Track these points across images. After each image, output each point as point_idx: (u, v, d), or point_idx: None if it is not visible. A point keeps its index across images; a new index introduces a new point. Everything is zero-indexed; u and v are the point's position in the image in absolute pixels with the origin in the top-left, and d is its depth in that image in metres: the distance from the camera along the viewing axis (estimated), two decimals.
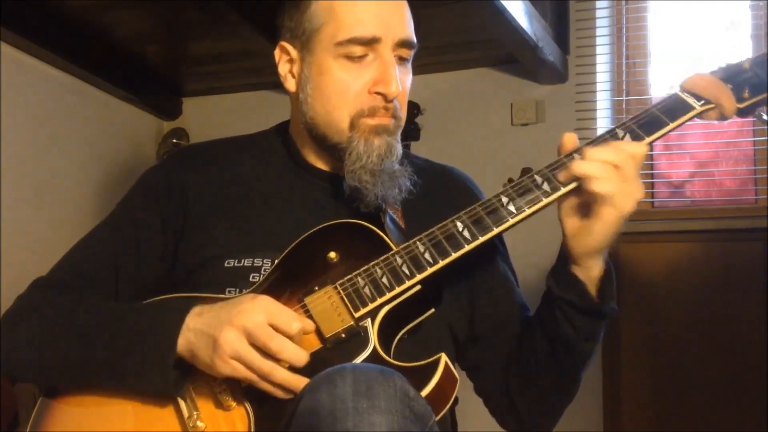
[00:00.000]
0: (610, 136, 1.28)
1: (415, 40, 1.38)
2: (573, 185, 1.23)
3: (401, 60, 1.37)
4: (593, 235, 1.23)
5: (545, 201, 1.25)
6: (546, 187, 1.25)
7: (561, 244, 1.29)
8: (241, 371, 1.18)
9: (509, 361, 1.39)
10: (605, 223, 1.21)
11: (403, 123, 1.39)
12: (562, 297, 1.27)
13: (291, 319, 1.19)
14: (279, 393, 1.19)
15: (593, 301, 1.27)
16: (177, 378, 1.23)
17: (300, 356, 1.18)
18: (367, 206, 1.34)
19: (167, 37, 3.47)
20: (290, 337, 1.18)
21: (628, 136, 1.27)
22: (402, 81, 1.36)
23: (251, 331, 1.17)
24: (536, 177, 1.26)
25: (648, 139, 1.26)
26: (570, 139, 1.28)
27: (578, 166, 1.21)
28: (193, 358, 1.22)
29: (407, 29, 1.36)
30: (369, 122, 1.34)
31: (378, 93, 1.33)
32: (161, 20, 3.29)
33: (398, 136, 1.38)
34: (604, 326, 1.30)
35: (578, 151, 1.25)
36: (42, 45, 3.18)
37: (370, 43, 1.33)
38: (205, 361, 1.20)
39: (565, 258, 1.28)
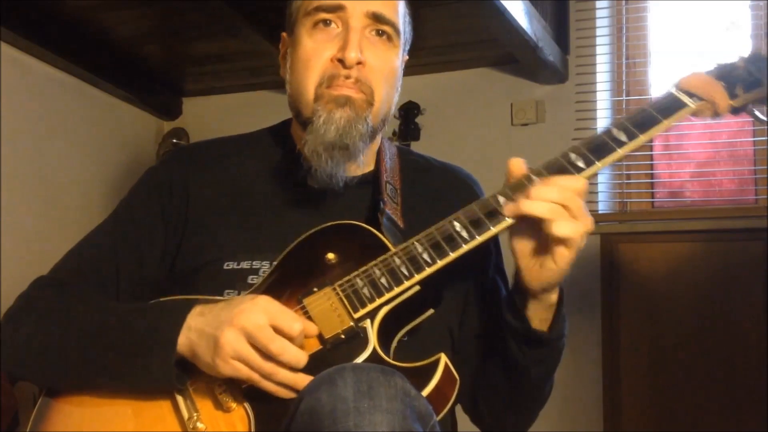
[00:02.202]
0: (605, 134, 1.28)
1: (393, 18, 1.38)
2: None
3: (379, 34, 1.37)
4: (548, 272, 1.23)
5: None
6: None
7: (514, 274, 1.29)
8: (243, 371, 1.18)
9: (478, 373, 1.40)
10: (560, 261, 1.21)
11: (378, 104, 1.37)
12: (509, 323, 1.29)
13: (292, 320, 1.19)
14: (282, 392, 1.18)
15: (536, 332, 1.28)
16: (179, 374, 1.23)
17: (300, 358, 1.18)
18: (317, 182, 1.35)
19: (167, 37, 3.47)
20: (291, 339, 1.18)
21: (623, 134, 1.28)
22: (376, 55, 1.36)
23: (251, 332, 1.17)
24: (531, 176, 1.26)
25: (641, 138, 1.27)
26: (517, 165, 1.27)
27: (530, 206, 1.20)
28: (194, 358, 1.22)
29: (381, 4, 1.37)
30: (331, 92, 1.34)
31: (338, 60, 1.34)
32: (161, 20, 3.30)
33: (367, 115, 1.36)
34: (555, 352, 1.31)
35: (529, 178, 1.25)
36: (42, 45, 3.19)
37: (335, 10, 1.35)
38: (207, 361, 1.20)
39: (517, 287, 1.28)
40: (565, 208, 1.19)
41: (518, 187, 1.26)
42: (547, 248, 1.22)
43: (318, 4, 1.36)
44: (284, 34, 1.46)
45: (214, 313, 1.21)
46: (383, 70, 1.38)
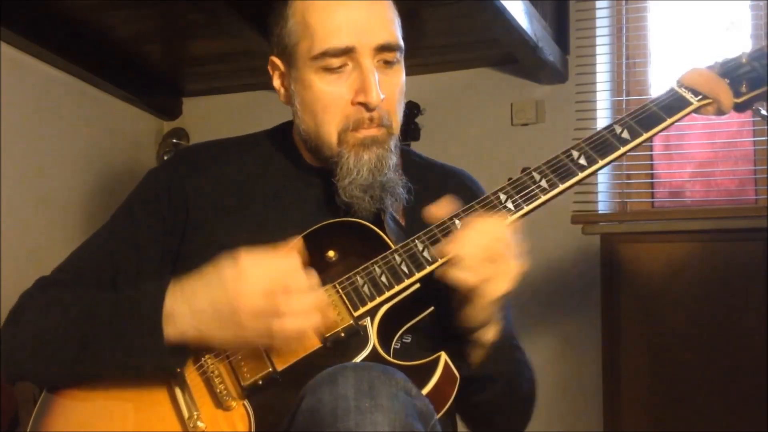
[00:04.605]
0: (608, 132, 1.28)
1: (398, 41, 1.36)
2: (444, 260, 1.22)
3: (386, 63, 1.36)
4: (469, 315, 1.24)
5: (543, 198, 1.26)
6: (544, 183, 1.25)
7: None
8: (263, 326, 1.17)
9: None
10: (477, 306, 1.22)
11: (396, 129, 1.39)
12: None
13: (281, 257, 1.19)
14: (306, 322, 1.17)
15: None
16: (176, 354, 1.23)
17: (309, 278, 1.18)
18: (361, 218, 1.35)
19: (167, 37, 3.47)
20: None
21: (626, 132, 1.28)
22: (389, 85, 1.35)
23: (263, 294, 1.16)
24: (534, 174, 1.27)
25: (645, 136, 1.27)
26: (440, 210, 1.27)
27: (448, 248, 1.21)
28: (206, 341, 1.22)
29: (386, 33, 1.35)
30: (356, 135, 1.34)
31: (360, 103, 1.33)
32: (161, 20, 3.29)
33: (391, 144, 1.37)
34: (485, 384, 1.31)
35: (457, 217, 1.26)
36: (42, 45, 3.18)
37: (345, 53, 1.32)
38: (227, 339, 1.20)
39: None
40: (486, 253, 1.18)
41: (520, 186, 1.27)
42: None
43: (326, 49, 1.32)
44: (275, 59, 1.42)
45: (204, 298, 1.20)
46: (397, 95, 1.39)
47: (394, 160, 1.37)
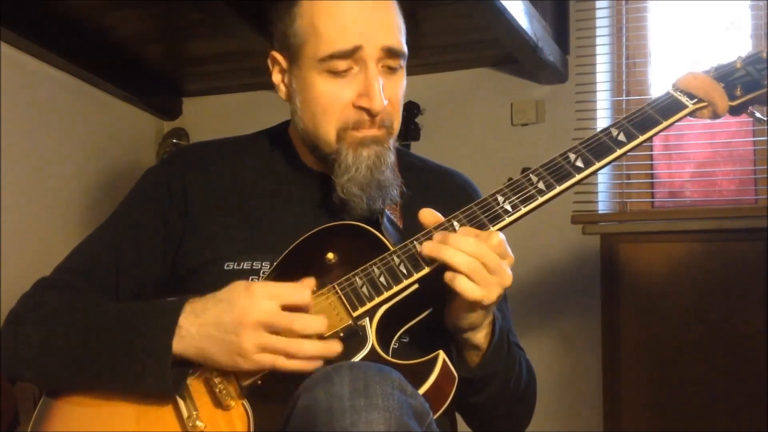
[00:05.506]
0: (604, 134, 1.29)
1: (403, 47, 1.36)
2: (433, 267, 1.23)
3: (390, 69, 1.36)
4: (459, 319, 1.25)
5: (540, 200, 1.26)
6: (541, 185, 1.26)
7: None
8: (268, 361, 1.18)
9: None
10: (470, 313, 1.23)
11: (395, 131, 1.39)
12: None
13: (296, 291, 1.20)
14: (311, 365, 1.18)
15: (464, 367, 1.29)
16: (176, 377, 1.23)
17: (322, 323, 1.19)
18: (354, 218, 1.35)
19: (167, 37, 3.47)
20: (305, 309, 1.19)
21: (622, 135, 1.28)
22: (391, 89, 1.36)
23: (270, 322, 1.17)
24: (531, 176, 1.27)
25: (640, 139, 1.28)
26: (429, 215, 1.27)
27: (446, 252, 1.20)
28: (207, 361, 1.22)
29: (393, 36, 1.34)
30: (356, 135, 1.34)
31: (362, 108, 1.33)
32: (161, 20, 3.30)
33: (390, 144, 1.38)
34: (482, 385, 1.31)
35: (455, 219, 1.26)
36: (42, 45, 3.19)
37: (352, 54, 1.32)
38: (228, 364, 1.21)
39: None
40: (482, 263, 1.19)
41: (518, 188, 1.27)
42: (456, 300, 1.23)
43: (333, 52, 1.32)
44: (277, 55, 1.41)
45: (213, 313, 1.21)
46: (399, 99, 1.39)
47: (392, 158, 1.37)
